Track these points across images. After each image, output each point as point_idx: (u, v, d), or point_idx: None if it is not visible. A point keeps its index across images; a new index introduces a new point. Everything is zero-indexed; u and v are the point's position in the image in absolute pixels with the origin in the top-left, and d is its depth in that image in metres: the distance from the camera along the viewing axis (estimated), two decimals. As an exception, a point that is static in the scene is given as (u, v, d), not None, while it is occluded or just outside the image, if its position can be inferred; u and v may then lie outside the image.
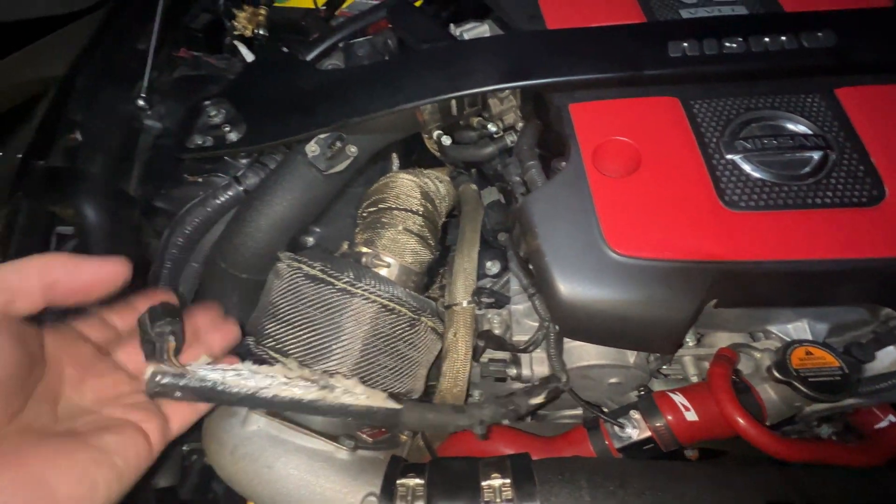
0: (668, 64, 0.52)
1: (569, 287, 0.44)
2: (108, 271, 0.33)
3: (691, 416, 0.45)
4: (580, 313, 0.44)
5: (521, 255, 0.55)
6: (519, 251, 0.56)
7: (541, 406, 0.50)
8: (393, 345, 0.51)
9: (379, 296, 0.49)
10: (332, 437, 0.47)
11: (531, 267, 0.53)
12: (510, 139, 0.65)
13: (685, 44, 0.53)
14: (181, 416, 0.38)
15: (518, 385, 0.55)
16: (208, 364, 0.38)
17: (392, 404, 0.41)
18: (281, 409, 0.40)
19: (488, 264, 0.62)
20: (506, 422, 0.47)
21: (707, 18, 0.57)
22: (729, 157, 0.47)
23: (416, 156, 0.85)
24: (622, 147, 0.49)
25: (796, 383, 0.41)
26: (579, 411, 0.64)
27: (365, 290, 0.49)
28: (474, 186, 0.69)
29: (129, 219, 0.58)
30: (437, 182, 0.67)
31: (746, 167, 0.46)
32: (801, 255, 0.41)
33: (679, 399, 0.46)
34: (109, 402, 0.34)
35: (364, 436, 0.51)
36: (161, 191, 0.62)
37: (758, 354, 0.46)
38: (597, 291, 0.43)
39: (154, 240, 0.63)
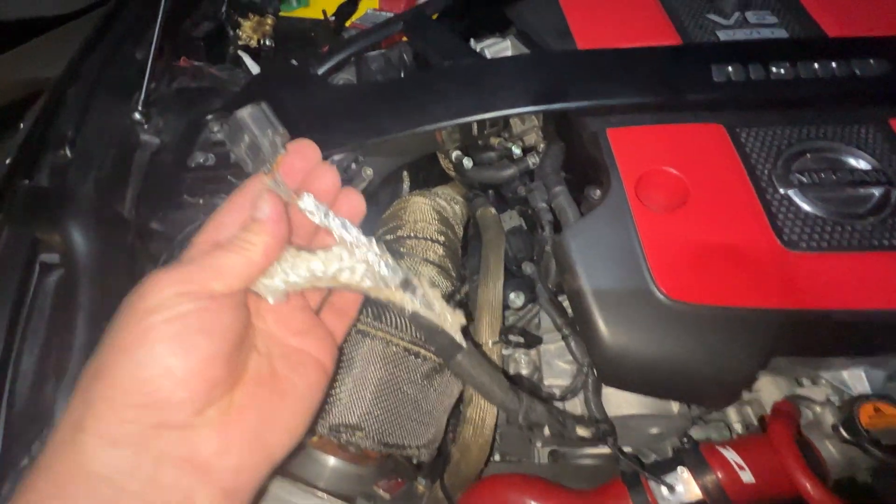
0: (713, 89, 0.49)
1: (615, 333, 0.39)
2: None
3: (747, 476, 0.41)
4: (628, 362, 0.40)
5: (554, 291, 0.51)
6: (549, 284, 0.52)
7: (583, 441, 0.46)
8: (412, 389, 0.46)
9: (402, 337, 0.45)
10: (348, 499, 0.42)
11: (568, 306, 0.49)
12: (532, 160, 0.62)
13: (730, 68, 0.49)
14: (341, 329, 0.37)
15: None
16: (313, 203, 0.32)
17: (460, 338, 0.36)
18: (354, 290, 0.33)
19: (511, 296, 0.57)
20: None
21: (750, 42, 0.54)
22: (783, 191, 0.44)
23: (424, 174, 0.81)
24: (668, 178, 0.45)
25: (869, 446, 0.37)
26: (599, 450, 0.59)
27: (384, 331, 0.45)
28: (494, 210, 0.65)
29: (123, 244, 0.53)
30: (453, 204, 0.63)
31: (803, 203, 0.43)
32: (874, 304, 0.38)
33: (732, 456, 0.42)
34: (286, 329, 0.33)
35: (381, 491, 0.46)
36: (158, 213, 0.57)
37: (818, 409, 0.42)
38: (647, 339, 0.39)
39: (150, 264, 0.57)
